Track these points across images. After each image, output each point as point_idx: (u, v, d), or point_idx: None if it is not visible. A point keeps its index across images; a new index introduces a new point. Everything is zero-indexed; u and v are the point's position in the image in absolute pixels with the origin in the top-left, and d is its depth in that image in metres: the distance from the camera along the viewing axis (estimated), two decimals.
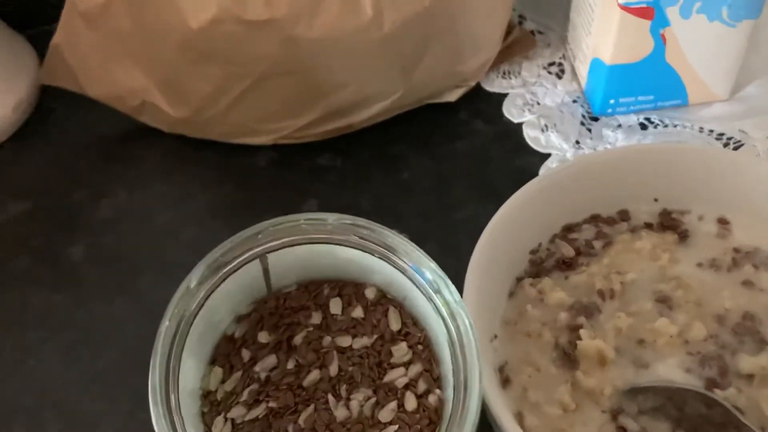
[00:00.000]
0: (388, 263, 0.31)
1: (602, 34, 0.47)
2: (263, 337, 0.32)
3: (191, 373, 0.30)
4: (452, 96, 0.51)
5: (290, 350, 0.31)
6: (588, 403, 0.32)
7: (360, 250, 0.31)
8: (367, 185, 0.49)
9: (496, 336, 0.34)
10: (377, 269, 0.32)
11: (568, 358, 0.33)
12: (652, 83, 0.49)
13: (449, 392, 0.29)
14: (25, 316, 0.44)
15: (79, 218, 0.49)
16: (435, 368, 0.31)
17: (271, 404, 0.30)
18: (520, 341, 0.34)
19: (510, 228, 0.35)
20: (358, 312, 0.32)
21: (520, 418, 0.32)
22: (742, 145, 0.48)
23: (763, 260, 0.36)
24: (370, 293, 0.33)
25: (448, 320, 0.29)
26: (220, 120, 0.48)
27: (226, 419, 0.30)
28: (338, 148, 0.51)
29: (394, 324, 0.32)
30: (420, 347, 0.31)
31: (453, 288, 0.29)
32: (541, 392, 0.32)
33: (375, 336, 0.32)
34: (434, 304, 0.30)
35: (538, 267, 0.37)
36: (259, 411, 0.30)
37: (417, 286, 0.30)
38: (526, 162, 0.49)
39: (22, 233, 0.48)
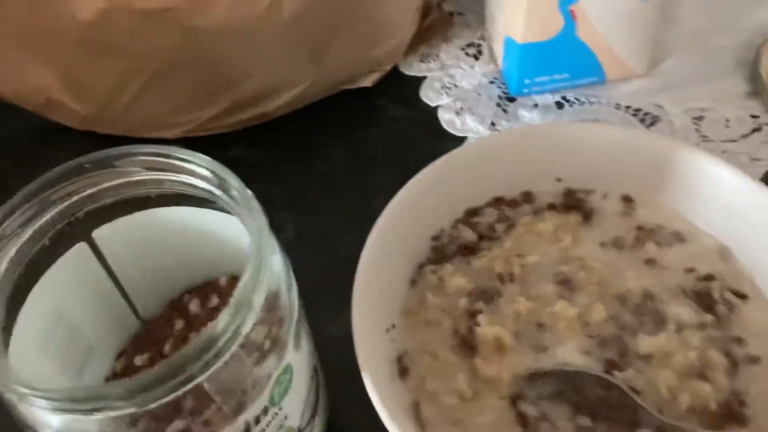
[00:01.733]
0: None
1: (513, 12, 0.46)
2: (138, 360, 0.32)
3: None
4: (368, 81, 0.50)
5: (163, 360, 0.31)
6: (487, 390, 0.31)
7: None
8: (282, 176, 0.48)
9: (393, 326, 0.34)
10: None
11: (467, 344, 0.32)
12: (566, 61, 0.48)
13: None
14: None
15: None
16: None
17: None
18: (420, 330, 0.33)
19: (408, 214, 0.34)
20: (214, 301, 0.32)
21: (417, 408, 0.31)
22: (659, 119, 0.48)
23: (665, 237, 0.36)
24: (222, 281, 0.33)
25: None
26: (126, 115, 0.47)
27: None
28: (251, 138, 0.49)
29: None
30: None
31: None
32: (439, 381, 0.32)
33: None
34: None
35: (440, 253, 0.36)
36: None
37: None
38: (444, 147, 0.48)
39: None
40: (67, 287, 0.29)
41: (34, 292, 0.28)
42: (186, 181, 0.27)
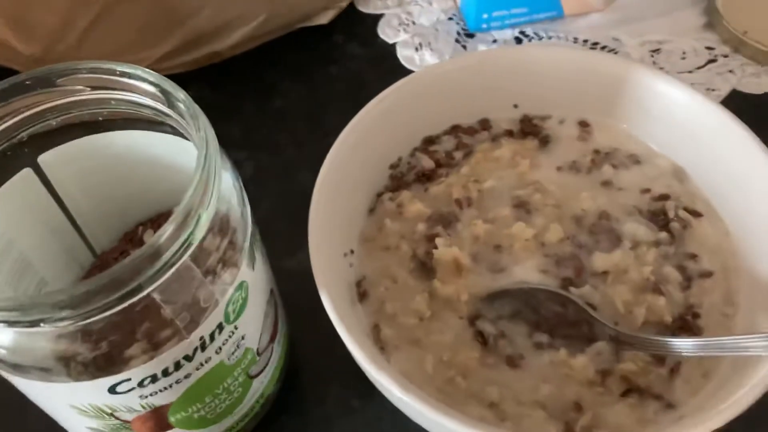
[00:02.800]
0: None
1: None
2: None
3: None
4: (324, 18, 0.49)
5: None
6: (445, 311, 0.31)
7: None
8: (239, 116, 0.47)
9: (352, 251, 0.33)
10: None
11: (425, 267, 0.32)
12: None
13: None
14: None
15: None
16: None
17: None
18: (378, 255, 0.33)
19: (363, 143, 0.34)
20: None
21: (376, 330, 0.31)
22: (616, 53, 0.48)
23: (622, 160, 0.36)
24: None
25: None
26: (73, 55, 0.45)
27: None
28: (207, 79, 0.48)
29: None
30: None
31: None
32: (398, 303, 0.32)
33: None
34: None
35: (398, 181, 0.36)
36: None
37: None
38: None
39: None
40: (15, 215, 0.29)
41: None
42: (132, 99, 0.26)
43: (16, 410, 0.35)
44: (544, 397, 0.29)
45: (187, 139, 0.28)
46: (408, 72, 0.48)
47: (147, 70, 0.26)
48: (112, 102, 0.27)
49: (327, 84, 0.48)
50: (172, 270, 0.23)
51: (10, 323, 0.22)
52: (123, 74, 0.26)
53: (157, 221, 0.33)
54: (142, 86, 0.26)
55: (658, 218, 0.33)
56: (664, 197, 0.34)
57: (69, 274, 0.33)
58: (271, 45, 0.49)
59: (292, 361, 0.35)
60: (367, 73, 0.49)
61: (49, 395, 0.25)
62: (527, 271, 0.32)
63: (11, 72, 0.48)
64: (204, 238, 0.24)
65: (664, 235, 0.33)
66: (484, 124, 0.37)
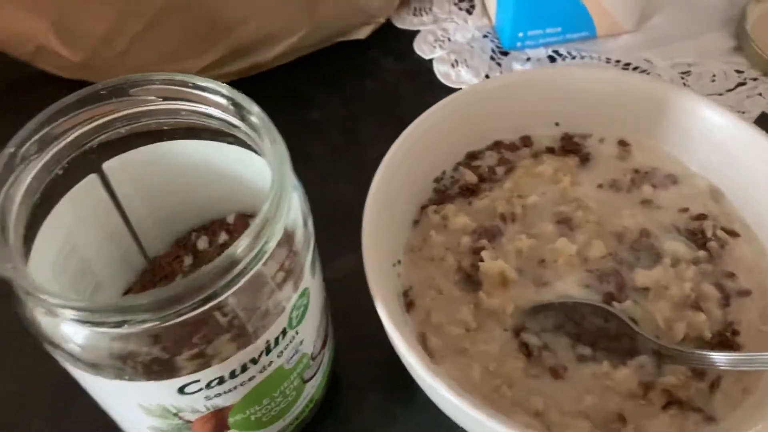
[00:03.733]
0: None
1: None
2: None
3: None
4: (362, 33, 0.50)
5: None
6: (490, 322, 0.32)
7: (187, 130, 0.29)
8: (277, 127, 0.48)
9: (399, 261, 0.34)
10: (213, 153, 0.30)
11: (471, 280, 0.33)
12: (559, 15, 0.49)
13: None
14: None
15: None
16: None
17: None
18: (424, 266, 0.34)
19: (410, 156, 0.35)
20: (223, 237, 0.33)
21: (423, 339, 0.32)
22: (648, 74, 0.49)
23: (660, 180, 0.37)
24: (230, 218, 0.33)
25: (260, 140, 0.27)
26: (119, 63, 0.46)
27: None
28: (246, 90, 0.48)
29: None
30: None
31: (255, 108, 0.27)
32: (444, 314, 0.32)
33: None
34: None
35: (442, 194, 0.37)
36: None
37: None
38: (437, 98, 0.48)
39: None
40: (78, 219, 0.29)
41: (48, 221, 0.28)
42: (202, 110, 0.27)
43: (61, 407, 0.36)
44: (588, 408, 0.30)
45: (251, 150, 0.29)
46: (443, 87, 0.49)
47: (219, 83, 0.27)
48: (182, 113, 0.28)
49: (363, 97, 0.50)
50: (246, 278, 0.24)
51: (94, 324, 0.23)
52: (196, 86, 0.27)
53: (210, 228, 0.34)
54: (215, 99, 0.27)
55: (697, 237, 0.34)
56: (702, 217, 0.35)
57: (122, 278, 0.34)
58: (309, 58, 0.50)
59: (334, 367, 0.36)
60: (402, 88, 0.50)
61: (119, 393, 0.26)
62: (570, 286, 0.33)
63: (53, 77, 0.49)
64: (276, 248, 0.25)
65: (702, 253, 0.34)
66: (526, 141, 0.38)
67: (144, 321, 0.22)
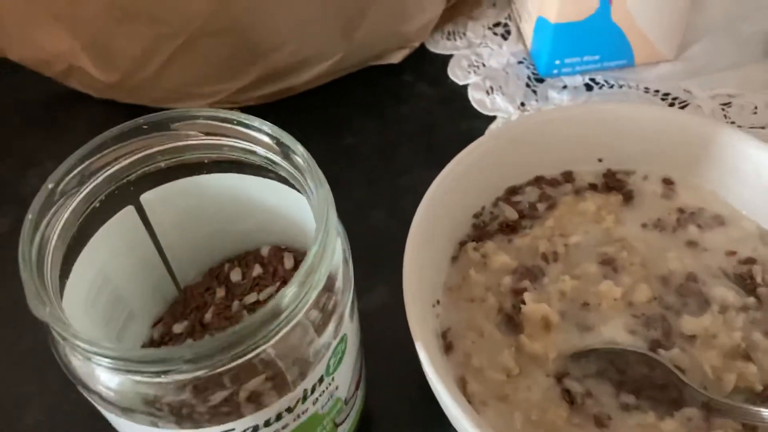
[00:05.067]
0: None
1: None
2: (177, 328, 0.32)
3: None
4: (396, 58, 0.50)
5: (204, 329, 0.31)
6: (532, 367, 0.31)
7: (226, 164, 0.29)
8: (310, 151, 0.47)
9: (438, 302, 0.33)
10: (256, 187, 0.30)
11: (512, 322, 0.32)
12: (597, 42, 0.48)
13: None
14: None
15: (4, 189, 0.46)
16: None
17: None
18: (464, 307, 0.33)
19: (451, 192, 0.34)
20: (257, 270, 0.32)
21: (462, 383, 0.31)
22: (687, 104, 0.48)
23: (707, 220, 0.36)
24: (264, 251, 0.33)
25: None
26: (151, 84, 0.46)
27: None
28: (278, 113, 0.48)
29: (288, 263, 0.32)
30: None
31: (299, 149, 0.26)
32: (485, 357, 0.31)
33: (278, 283, 0.32)
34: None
35: (481, 231, 0.36)
36: None
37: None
38: (471, 125, 0.48)
39: None
40: (113, 250, 0.29)
41: (84, 254, 0.27)
42: (245, 147, 0.27)
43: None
44: None
45: (292, 186, 0.28)
46: (478, 114, 0.48)
47: (267, 123, 0.26)
48: (225, 148, 0.27)
49: (397, 122, 0.49)
50: (289, 326, 0.23)
51: (132, 372, 0.22)
52: (240, 123, 0.26)
53: (244, 259, 0.33)
54: (259, 137, 0.26)
55: (746, 282, 0.33)
56: (751, 261, 0.34)
57: (154, 308, 0.33)
58: (342, 81, 0.49)
59: (366, 401, 0.35)
60: (437, 114, 0.49)
61: None
62: (615, 331, 0.32)
63: (84, 96, 0.49)
64: (318, 296, 0.24)
65: (752, 300, 0.33)
66: (568, 177, 0.37)
67: (183, 371, 0.22)
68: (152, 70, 0.45)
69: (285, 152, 0.26)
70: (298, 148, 0.26)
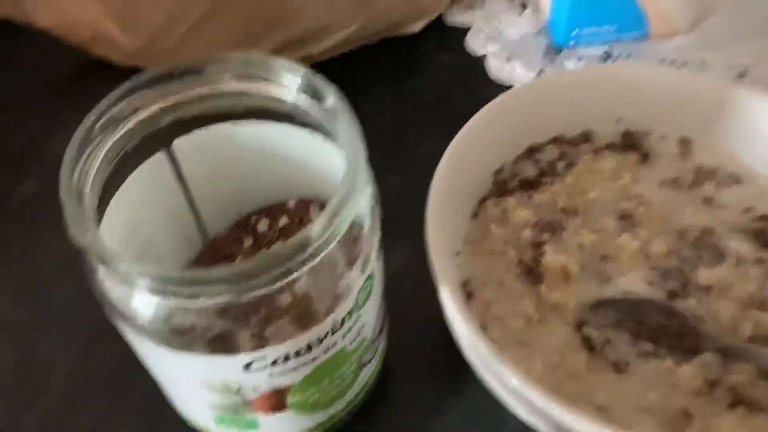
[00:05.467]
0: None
1: None
2: None
3: None
4: (414, 27, 0.50)
5: None
6: (552, 316, 0.32)
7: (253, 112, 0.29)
8: None
9: (458, 253, 0.34)
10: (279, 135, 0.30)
11: (532, 273, 0.33)
12: (614, 13, 0.48)
13: None
14: None
15: (29, 155, 0.47)
16: None
17: None
18: (484, 259, 0.34)
19: (472, 149, 0.35)
20: (284, 221, 0.33)
21: (484, 330, 0.32)
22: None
23: (723, 179, 0.36)
24: (291, 203, 0.33)
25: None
26: (174, 51, 0.47)
27: None
28: None
29: (314, 214, 0.32)
30: None
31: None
32: (505, 306, 0.32)
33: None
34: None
35: (501, 187, 0.36)
36: None
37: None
38: (489, 94, 0.48)
39: None
40: (144, 196, 0.30)
41: (117, 197, 0.28)
42: (276, 92, 0.28)
43: (113, 398, 0.36)
44: (651, 404, 0.29)
45: (320, 134, 0.29)
46: (496, 83, 0.49)
47: (295, 64, 0.27)
48: (255, 94, 0.28)
49: (415, 92, 0.49)
50: (320, 257, 0.24)
51: (168, 294, 0.23)
52: (272, 67, 0.27)
53: (270, 212, 0.34)
54: (290, 80, 0.27)
55: (761, 238, 0.34)
56: (767, 217, 0.35)
57: (182, 257, 0.34)
58: (360, 51, 0.50)
59: (386, 356, 0.35)
60: (455, 83, 0.50)
61: (184, 368, 0.26)
62: (634, 282, 0.33)
63: (108, 64, 0.50)
64: (348, 230, 0.25)
65: (767, 254, 0.33)
66: (587, 137, 0.38)
67: (219, 294, 0.22)
68: (176, 36, 0.46)
69: (315, 95, 0.27)
70: (330, 90, 0.26)
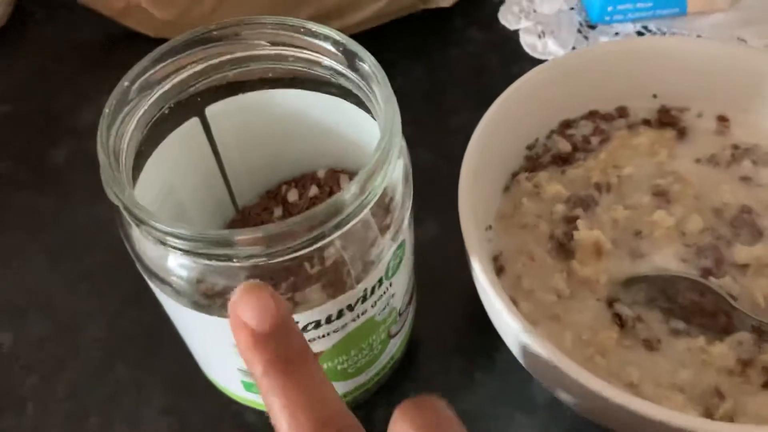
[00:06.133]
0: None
1: None
2: None
3: None
4: (447, 1, 0.50)
5: None
6: (583, 291, 0.32)
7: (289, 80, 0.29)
8: None
9: (490, 227, 0.34)
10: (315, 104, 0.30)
11: (564, 248, 0.33)
12: None
13: None
14: (8, 217, 0.43)
15: (61, 123, 0.48)
16: None
17: None
18: (515, 233, 0.34)
19: (505, 123, 0.34)
20: (314, 191, 0.33)
21: (514, 303, 0.31)
22: None
23: (761, 156, 0.35)
24: (321, 173, 0.33)
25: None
26: (206, 22, 0.46)
27: None
28: None
29: (345, 184, 0.32)
30: None
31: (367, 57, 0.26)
32: (536, 280, 0.32)
33: None
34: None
35: (534, 162, 0.36)
36: None
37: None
38: (522, 69, 0.47)
39: (1, 137, 0.47)
40: (178, 161, 0.30)
41: (151, 160, 0.28)
42: (311, 57, 0.27)
43: (147, 351, 0.37)
44: (683, 382, 0.29)
45: (353, 102, 0.29)
46: (529, 58, 0.48)
47: (331, 29, 0.27)
48: (290, 59, 0.28)
49: (447, 66, 0.49)
50: (353, 222, 0.24)
51: (203, 256, 0.23)
52: (308, 32, 0.27)
53: (300, 181, 0.34)
54: (325, 45, 0.27)
55: None
56: None
57: (213, 225, 0.34)
58: (393, 24, 0.50)
59: (413, 330, 0.35)
60: (487, 58, 0.49)
61: (215, 332, 0.26)
62: (667, 259, 0.32)
63: (140, 35, 0.50)
64: (380, 197, 0.24)
65: None
66: (622, 112, 0.37)
67: (253, 256, 0.22)
68: (208, 6, 0.46)
69: (351, 60, 0.26)
70: (367, 55, 0.26)
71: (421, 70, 0.49)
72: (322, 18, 0.47)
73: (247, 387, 0.30)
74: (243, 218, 0.34)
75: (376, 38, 0.50)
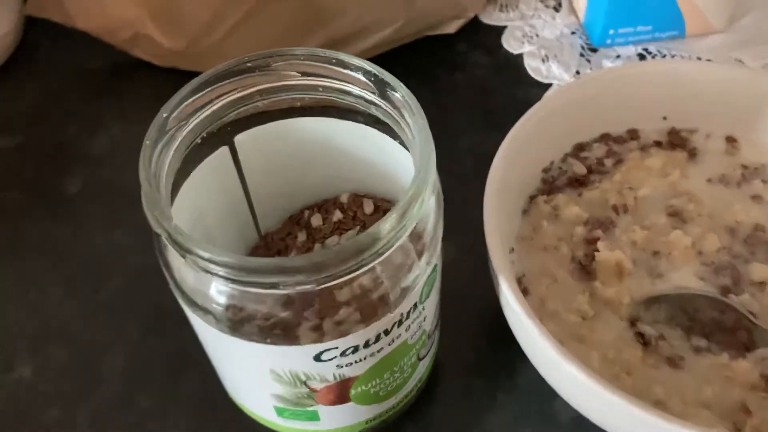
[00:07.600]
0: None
1: None
2: None
3: None
4: (451, 27, 0.51)
5: None
6: (606, 311, 0.32)
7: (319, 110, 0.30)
8: None
9: (512, 249, 0.34)
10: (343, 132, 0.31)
11: (585, 270, 0.33)
12: (651, 13, 0.49)
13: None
14: (24, 248, 0.43)
15: (72, 151, 0.48)
16: None
17: None
18: (537, 255, 0.34)
19: (523, 146, 0.35)
20: (337, 215, 0.33)
21: None
22: None
23: None
24: (344, 198, 0.34)
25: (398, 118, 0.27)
26: (215, 51, 0.47)
27: None
28: None
29: (368, 208, 0.33)
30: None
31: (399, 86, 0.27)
32: (560, 301, 0.32)
33: (358, 227, 0.32)
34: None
35: (550, 185, 0.37)
36: None
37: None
38: (526, 92, 0.49)
39: (12, 167, 0.47)
40: (207, 188, 0.30)
41: (184, 188, 0.28)
42: (341, 87, 0.28)
43: (170, 384, 0.37)
44: (708, 399, 0.30)
45: (382, 128, 0.29)
46: (533, 82, 0.49)
47: (363, 60, 0.27)
48: (320, 89, 0.28)
49: (453, 90, 0.50)
50: (392, 249, 0.24)
51: (246, 284, 0.23)
52: (339, 62, 0.27)
53: (323, 206, 0.34)
54: (356, 75, 0.27)
55: None
56: None
57: (236, 251, 0.34)
58: (398, 51, 0.51)
59: (436, 352, 0.36)
60: (492, 81, 0.50)
61: (254, 357, 0.26)
62: (686, 278, 0.33)
63: (148, 65, 0.50)
64: (418, 222, 0.25)
65: None
66: (633, 134, 0.38)
67: (298, 283, 0.23)
68: (218, 36, 0.46)
69: (383, 90, 0.27)
70: (399, 85, 0.27)
71: (428, 94, 0.50)
72: (331, 46, 0.47)
73: (280, 413, 0.30)
74: (266, 243, 0.34)
75: (382, 63, 0.50)
